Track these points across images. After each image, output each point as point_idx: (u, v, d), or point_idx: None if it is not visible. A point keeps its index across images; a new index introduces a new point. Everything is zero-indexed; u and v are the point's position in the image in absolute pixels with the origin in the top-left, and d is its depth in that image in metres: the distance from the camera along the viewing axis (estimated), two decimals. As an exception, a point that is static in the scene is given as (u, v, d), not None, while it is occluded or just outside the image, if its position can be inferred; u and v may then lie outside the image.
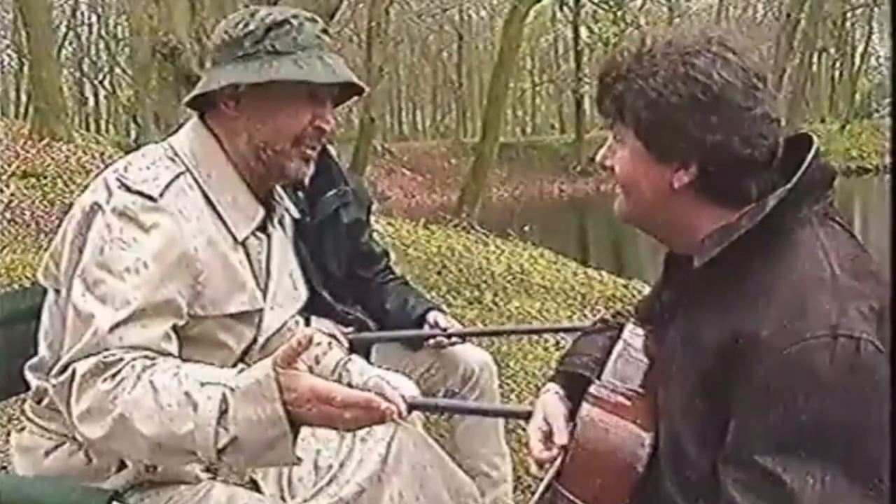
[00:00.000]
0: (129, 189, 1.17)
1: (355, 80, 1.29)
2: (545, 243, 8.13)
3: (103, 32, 26.89)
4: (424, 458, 1.44)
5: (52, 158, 8.47)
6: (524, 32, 13.49)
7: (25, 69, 18.94)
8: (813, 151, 0.99)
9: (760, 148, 0.97)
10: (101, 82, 29.01)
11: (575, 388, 1.18)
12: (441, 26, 26.80)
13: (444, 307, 2.31)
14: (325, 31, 1.27)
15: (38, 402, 1.19)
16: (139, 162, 1.22)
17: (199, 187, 1.23)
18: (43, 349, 1.20)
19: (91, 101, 30.03)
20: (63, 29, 25.15)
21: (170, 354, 1.14)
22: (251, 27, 1.23)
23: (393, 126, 33.82)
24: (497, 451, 2.10)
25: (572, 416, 1.14)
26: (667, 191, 1.00)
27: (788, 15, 17.51)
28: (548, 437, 1.15)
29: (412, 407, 1.48)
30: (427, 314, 2.09)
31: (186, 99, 1.30)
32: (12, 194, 6.73)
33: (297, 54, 1.22)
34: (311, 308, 1.93)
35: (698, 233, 1.01)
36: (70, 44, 26.74)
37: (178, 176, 1.21)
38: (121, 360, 1.09)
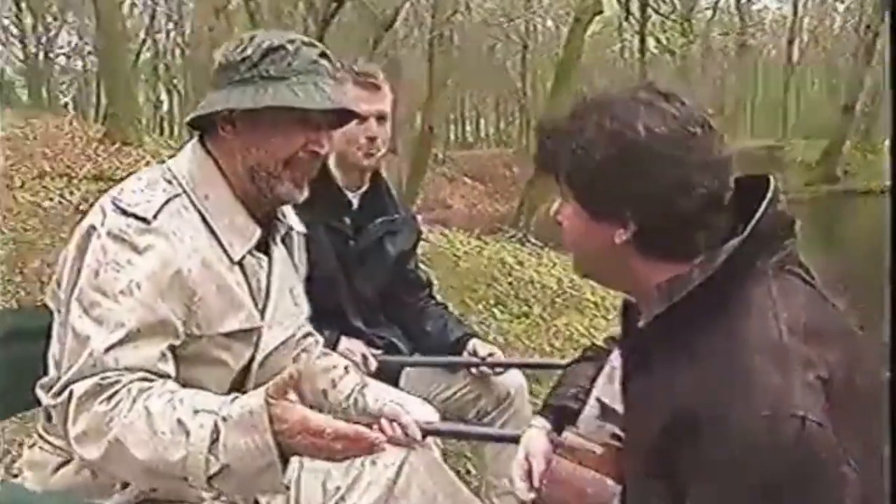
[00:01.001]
0: (123, 212, 1.19)
1: (350, 106, 1.32)
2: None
3: (179, 39, 27.86)
4: (436, 484, 1.43)
5: (122, 162, 8.78)
6: (589, 42, 13.37)
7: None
8: (769, 196, 0.92)
9: (700, 198, 0.91)
10: (175, 87, 30.07)
11: (560, 421, 1.17)
12: (507, 35, 26.79)
13: (489, 321, 2.30)
14: (323, 54, 1.28)
15: (49, 420, 1.22)
16: (134, 185, 1.25)
17: (196, 209, 1.25)
18: (52, 368, 1.24)
19: (165, 106, 31.16)
20: (142, 35, 26.21)
21: (167, 375, 1.16)
22: (248, 52, 1.25)
23: (457, 134, 33.96)
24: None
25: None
26: (609, 248, 0.96)
27: (868, 26, 16.86)
28: (529, 474, 1.15)
29: (427, 433, 1.48)
30: (466, 341, 2.07)
31: (187, 119, 1.33)
32: (83, 197, 7.00)
33: (291, 80, 1.24)
34: (342, 328, 1.96)
35: (648, 286, 0.96)
36: (147, 50, 27.82)
37: (173, 198, 1.23)
38: (117, 381, 1.11)
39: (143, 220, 1.19)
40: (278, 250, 1.38)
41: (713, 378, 0.86)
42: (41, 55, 26.10)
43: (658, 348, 0.94)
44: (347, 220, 2.00)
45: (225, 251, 1.26)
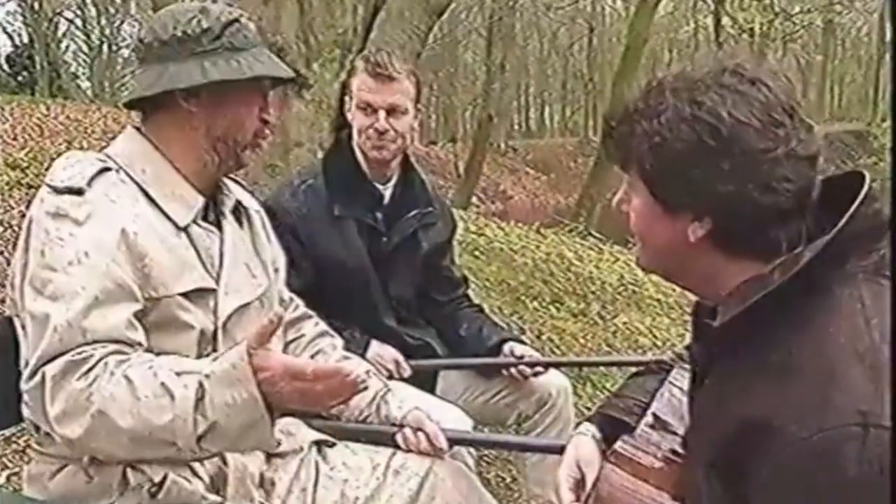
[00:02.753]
0: (56, 190, 1.21)
1: (293, 74, 1.41)
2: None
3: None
4: (462, 497, 1.40)
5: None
6: (660, 24, 13.06)
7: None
8: (864, 193, 0.87)
9: (785, 193, 0.86)
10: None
11: (613, 432, 1.13)
12: (572, 18, 26.45)
13: (545, 318, 2.26)
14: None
15: (38, 430, 1.24)
16: (63, 164, 1.27)
17: (133, 181, 1.27)
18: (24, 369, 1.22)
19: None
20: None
21: (138, 343, 1.17)
22: (206, 24, 1.28)
23: (520, 123, 33.76)
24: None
25: None
26: (683, 243, 0.91)
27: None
28: (579, 484, 1.11)
29: (454, 442, 1.45)
30: (503, 344, 2.04)
31: (131, 97, 1.33)
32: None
33: (252, 50, 1.31)
34: (373, 332, 1.95)
35: (724, 285, 0.92)
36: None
37: (106, 169, 1.26)
38: (90, 356, 1.12)
39: (78, 192, 1.21)
40: (229, 225, 1.39)
41: (795, 384, 0.82)
42: (105, 47, 27.08)
43: (733, 352, 0.90)
44: (379, 215, 1.98)
45: (168, 218, 1.28)
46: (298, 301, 1.62)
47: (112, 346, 1.14)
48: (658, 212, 0.93)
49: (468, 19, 16.67)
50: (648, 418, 1.07)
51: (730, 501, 0.85)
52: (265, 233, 1.49)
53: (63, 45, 25.74)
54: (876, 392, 0.78)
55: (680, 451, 1.02)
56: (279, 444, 1.11)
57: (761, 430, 0.81)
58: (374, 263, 1.97)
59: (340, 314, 1.83)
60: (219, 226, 1.37)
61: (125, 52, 27.91)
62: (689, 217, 0.90)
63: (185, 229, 1.29)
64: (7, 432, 2.14)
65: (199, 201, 1.33)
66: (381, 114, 1.89)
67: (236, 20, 1.31)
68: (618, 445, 1.03)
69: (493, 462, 2.75)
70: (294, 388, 1.06)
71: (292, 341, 1.56)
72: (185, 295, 1.25)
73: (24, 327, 1.20)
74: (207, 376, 1.08)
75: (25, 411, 1.21)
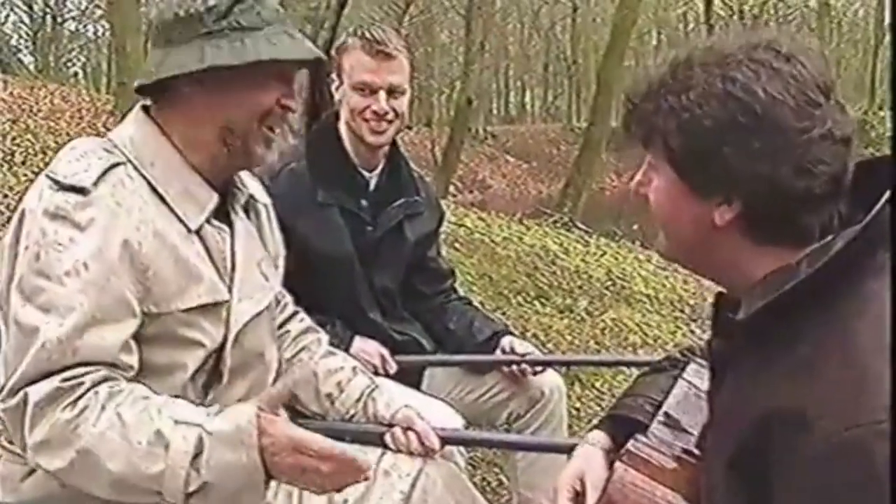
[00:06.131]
0: (59, 186, 1.17)
1: (323, 56, 1.33)
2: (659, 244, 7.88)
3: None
4: (454, 499, 1.41)
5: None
6: (651, 4, 13.12)
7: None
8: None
9: (820, 177, 0.87)
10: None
11: (625, 434, 1.13)
12: (555, -4, 26.53)
13: (529, 315, 2.27)
14: (281, 2, 1.28)
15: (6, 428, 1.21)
16: (69, 155, 1.23)
17: (142, 177, 1.24)
18: (0, 375, 1.20)
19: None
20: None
21: (129, 367, 1.15)
22: (211, 2, 1.24)
23: (499, 108, 33.79)
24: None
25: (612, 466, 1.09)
26: (709, 228, 0.92)
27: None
28: (577, 496, 1.12)
29: (446, 441, 1.47)
30: (499, 339, 2.05)
31: (137, 84, 1.30)
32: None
33: (265, 30, 1.24)
34: (356, 327, 1.95)
35: (750, 275, 0.92)
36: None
37: (114, 166, 1.21)
38: (80, 384, 1.10)
39: (82, 191, 1.16)
40: (240, 220, 1.37)
41: (823, 378, 0.83)
42: (48, 19, 26.57)
43: (757, 344, 0.91)
44: (364, 203, 1.98)
45: (180, 220, 1.25)
46: (288, 298, 1.61)
47: (103, 371, 1.12)
48: (684, 193, 0.92)
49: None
50: (661, 417, 1.08)
51: (749, 497, 0.86)
52: (269, 225, 1.48)
53: (2, 16, 25.24)
54: None
55: (694, 451, 1.04)
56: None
57: (788, 424, 0.82)
58: (358, 254, 1.97)
59: (322, 307, 1.83)
60: (228, 221, 1.34)
61: (71, 25, 27.43)
62: (717, 199, 0.90)
63: (197, 232, 1.27)
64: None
65: (213, 199, 1.30)
66: (382, 95, 1.88)
67: None
68: (630, 445, 1.04)
69: (479, 465, 2.76)
70: (295, 462, 1.07)
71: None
72: (189, 310, 1.23)
73: (6, 328, 1.17)
74: (210, 433, 1.08)
75: None
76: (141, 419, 1.08)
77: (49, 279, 1.13)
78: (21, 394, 1.10)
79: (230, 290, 1.29)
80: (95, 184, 1.18)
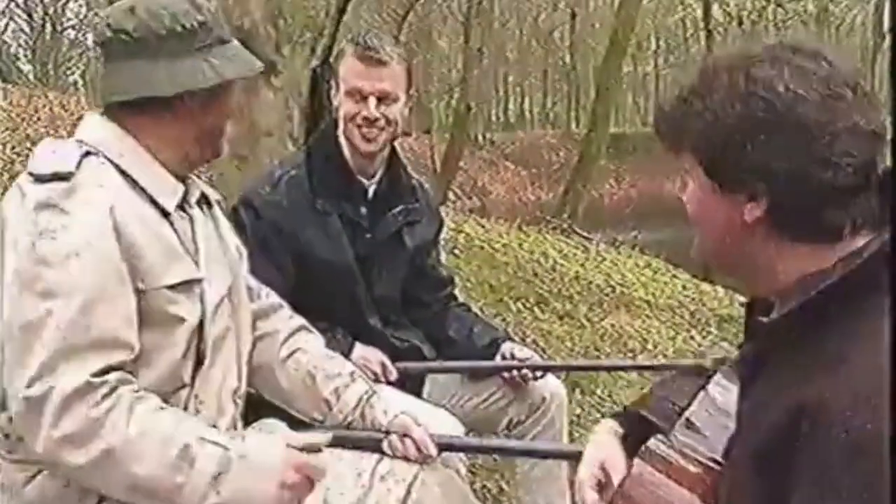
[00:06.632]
0: (41, 178, 1.22)
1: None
2: (659, 251, 7.90)
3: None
4: (451, 506, 1.43)
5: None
6: (650, 10, 13.17)
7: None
8: None
9: (845, 168, 0.87)
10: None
11: (638, 433, 1.14)
12: (554, 3, 26.58)
13: (529, 321, 2.27)
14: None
15: (6, 437, 1.24)
16: (42, 154, 1.28)
17: (114, 165, 1.29)
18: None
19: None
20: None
21: (132, 348, 1.20)
22: (201, 17, 1.31)
23: (498, 114, 33.83)
24: (561, 489, 2.06)
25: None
26: (739, 226, 0.93)
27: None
28: (601, 484, 1.12)
29: (443, 447, 1.47)
30: (499, 345, 2.06)
31: (139, 94, 1.31)
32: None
33: (233, 42, 1.36)
34: (357, 334, 1.95)
35: (782, 275, 0.93)
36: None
37: (88, 154, 1.27)
38: (105, 381, 1.14)
39: (65, 178, 1.21)
40: (197, 210, 1.41)
41: (847, 374, 0.83)
42: (48, 28, 26.61)
43: (789, 344, 0.92)
44: (364, 210, 1.99)
45: (154, 202, 1.30)
46: (267, 289, 1.62)
47: (119, 374, 1.17)
48: (713, 193, 0.94)
49: (445, 2, 16.68)
50: (684, 422, 1.08)
51: (771, 487, 0.86)
52: (223, 218, 1.53)
53: (1, 24, 25.30)
54: None
55: (718, 458, 1.03)
56: None
57: (813, 416, 0.83)
58: (358, 261, 1.98)
59: (322, 314, 1.84)
60: (185, 211, 1.39)
61: (71, 34, 27.49)
62: (744, 197, 0.91)
63: (168, 216, 1.31)
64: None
65: (180, 189, 1.35)
66: (372, 101, 1.88)
67: (211, 11, 1.34)
68: (652, 444, 1.05)
69: (479, 472, 2.77)
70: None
71: (264, 336, 1.55)
72: (172, 287, 1.27)
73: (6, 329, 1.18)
74: (241, 457, 1.18)
75: None
76: (167, 430, 1.15)
77: (49, 266, 1.16)
78: (45, 385, 1.12)
79: (198, 269, 1.33)
80: (77, 168, 1.23)
